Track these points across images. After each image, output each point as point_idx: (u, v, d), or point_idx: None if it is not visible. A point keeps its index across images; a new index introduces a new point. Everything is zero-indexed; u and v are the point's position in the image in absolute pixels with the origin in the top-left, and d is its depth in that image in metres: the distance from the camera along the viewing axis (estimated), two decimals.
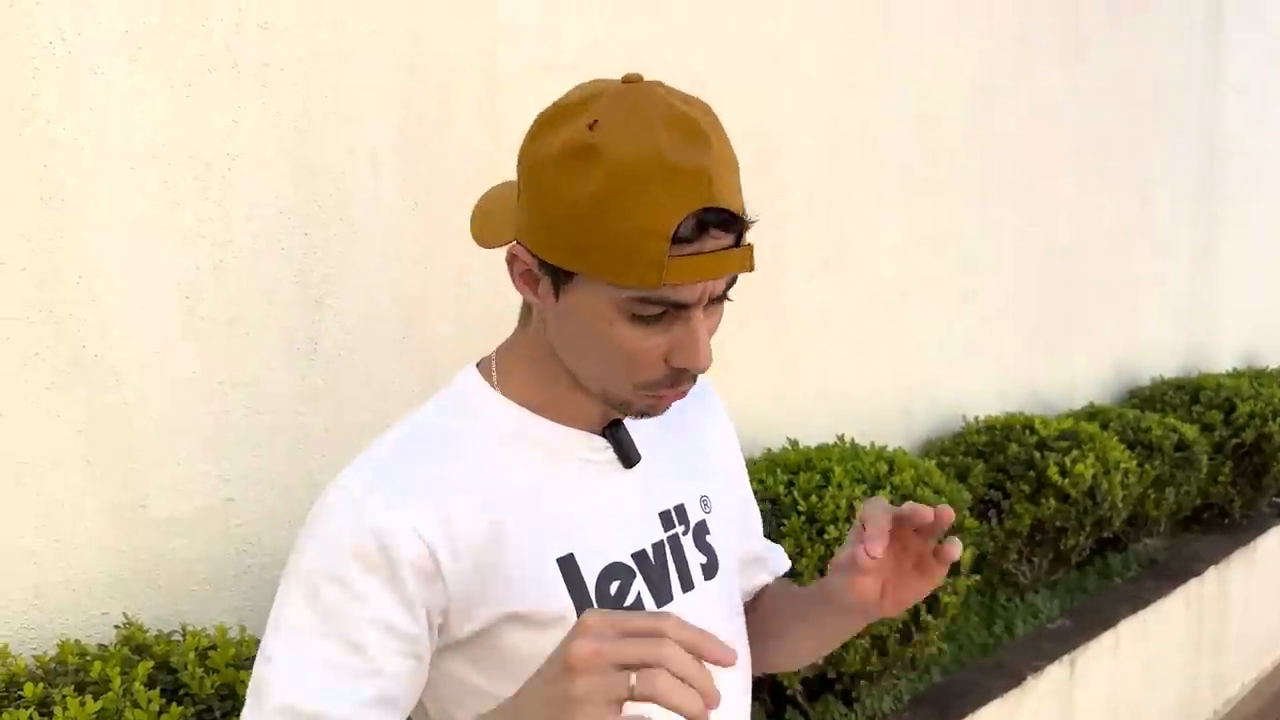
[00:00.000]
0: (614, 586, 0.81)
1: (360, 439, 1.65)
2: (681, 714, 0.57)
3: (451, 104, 1.77)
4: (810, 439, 2.48)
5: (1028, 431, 2.94)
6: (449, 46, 1.76)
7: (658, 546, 0.86)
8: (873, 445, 2.33)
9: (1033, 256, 3.58)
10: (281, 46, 1.53)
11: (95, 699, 1.12)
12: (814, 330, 2.68)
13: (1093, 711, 2.78)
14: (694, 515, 0.90)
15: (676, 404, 0.96)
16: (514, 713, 0.64)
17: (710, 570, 0.90)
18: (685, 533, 0.89)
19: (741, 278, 0.80)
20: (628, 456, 0.85)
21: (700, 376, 1.03)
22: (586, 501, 0.82)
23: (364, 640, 0.73)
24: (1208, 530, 3.81)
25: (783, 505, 2.07)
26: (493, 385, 0.84)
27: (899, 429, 3.03)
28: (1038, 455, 2.83)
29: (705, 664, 0.57)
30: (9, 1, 1.27)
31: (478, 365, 0.86)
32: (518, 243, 0.77)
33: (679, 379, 0.77)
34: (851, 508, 2.02)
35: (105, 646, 1.31)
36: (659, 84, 0.75)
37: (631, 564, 0.83)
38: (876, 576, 0.82)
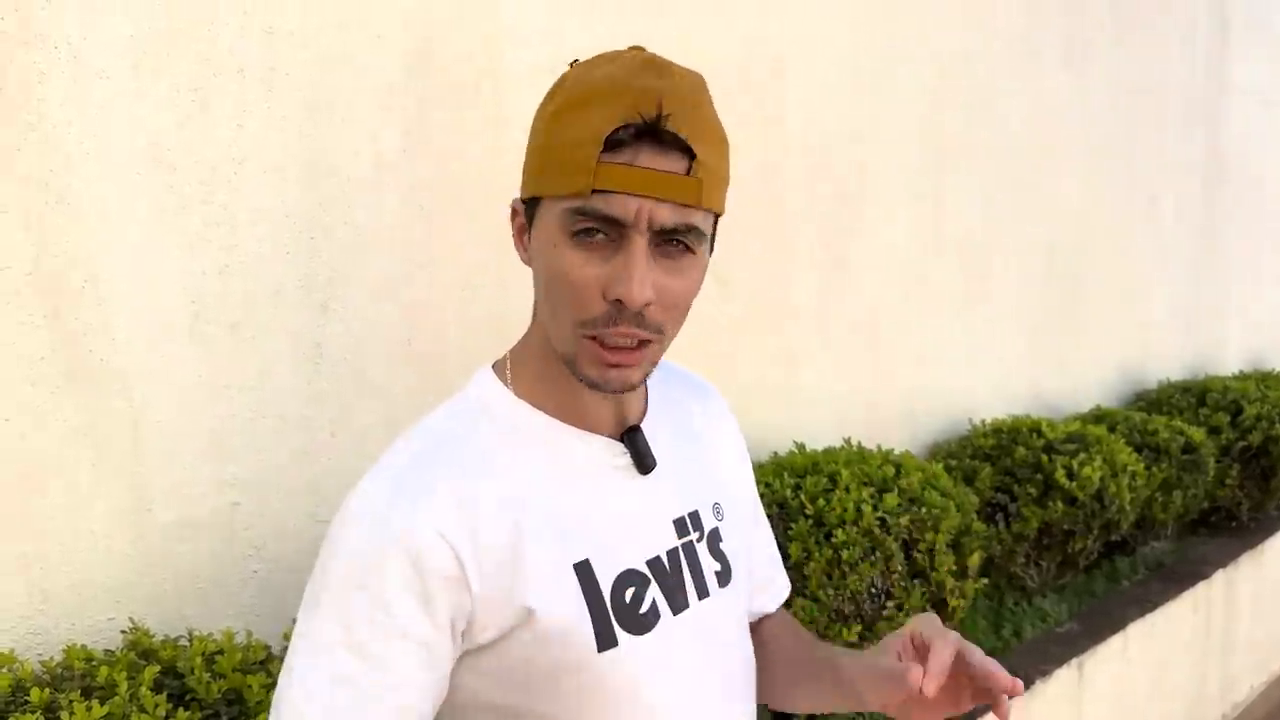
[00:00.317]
0: (629, 593, 0.81)
1: (366, 442, 1.64)
2: None
3: (457, 107, 1.77)
4: (816, 442, 2.48)
5: (1035, 434, 2.93)
6: (454, 50, 1.76)
7: (672, 553, 0.85)
8: (879, 448, 2.32)
9: (1038, 259, 3.58)
10: (287, 50, 1.53)
11: (102, 704, 1.12)
12: (819, 333, 2.68)
13: (1101, 715, 2.76)
14: (708, 522, 0.90)
15: (688, 410, 0.95)
16: None
17: (724, 578, 0.89)
18: (700, 540, 0.88)
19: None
20: (644, 463, 0.85)
21: (707, 382, 1.03)
22: (603, 507, 0.82)
23: (387, 652, 0.72)
24: (1215, 533, 3.80)
25: (790, 509, 2.06)
26: (507, 386, 0.84)
27: (904, 432, 3.03)
28: (1045, 458, 2.82)
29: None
30: (14, 6, 1.27)
31: (493, 366, 0.86)
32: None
33: (617, 315, 0.74)
34: (859, 510, 2.02)
35: (112, 651, 1.30)
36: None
37: (646, 571, 0.82)
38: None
